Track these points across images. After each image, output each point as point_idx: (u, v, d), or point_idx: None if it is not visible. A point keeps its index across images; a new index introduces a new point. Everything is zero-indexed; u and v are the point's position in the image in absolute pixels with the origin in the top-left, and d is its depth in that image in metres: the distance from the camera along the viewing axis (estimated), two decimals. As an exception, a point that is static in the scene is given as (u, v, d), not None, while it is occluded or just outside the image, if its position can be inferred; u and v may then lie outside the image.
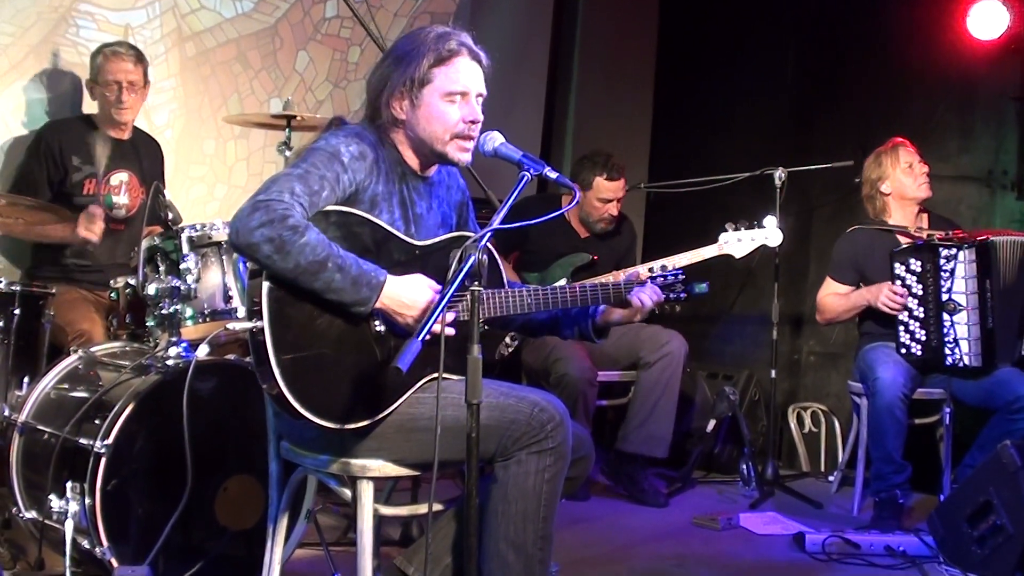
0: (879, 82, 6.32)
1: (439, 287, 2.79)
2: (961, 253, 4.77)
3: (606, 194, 5.50)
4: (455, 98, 2.99)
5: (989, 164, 5.90)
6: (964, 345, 4.77)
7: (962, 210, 5.84)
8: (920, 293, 4.86)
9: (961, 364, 4.77)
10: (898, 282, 4.88)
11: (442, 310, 2.57)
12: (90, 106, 4.85)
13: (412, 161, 3.08)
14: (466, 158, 3.05)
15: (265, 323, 2.75)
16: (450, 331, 2.79)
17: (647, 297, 3.13)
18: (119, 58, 4.65)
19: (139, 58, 4.71)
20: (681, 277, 3.23)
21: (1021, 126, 5.77)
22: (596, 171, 5.49)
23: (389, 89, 3.00)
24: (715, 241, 5.02)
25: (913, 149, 5.20)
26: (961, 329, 4.77)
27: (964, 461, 4.80)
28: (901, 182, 5.16)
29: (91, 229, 4.41)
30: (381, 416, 2.87)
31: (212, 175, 5.60)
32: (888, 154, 5.20)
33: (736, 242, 4.96)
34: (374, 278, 2.78)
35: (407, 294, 2.82)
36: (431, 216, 3.14)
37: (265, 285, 2.76)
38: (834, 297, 5.23)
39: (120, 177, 4.74)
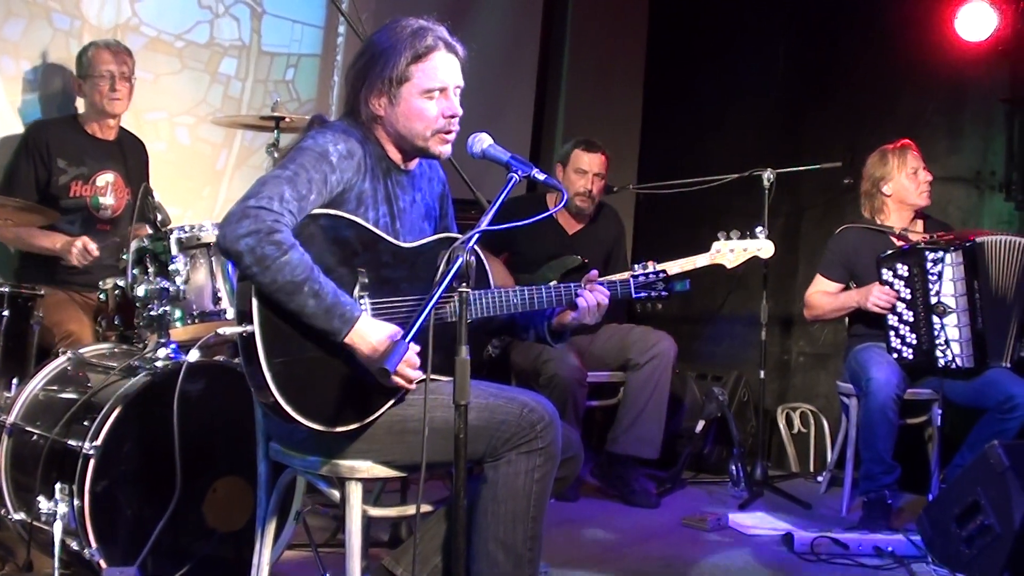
0: (868, 83, 6.34)
1: (403, 333, 2.74)
2: (948, 256, 4.77)
3: (580, 164, 5.56)
4: (434, 94, 2.98)
5: (977, 165, 5.92)
6: (955, 347, 4.77)
7: (950, 211, 5.86)
8: (909, 297, 4.86)
9: (953, 366, 4.78)
10: (886, 287, 4.89)
11: (431, 310, 2.57)
12: (79, 106, 4.86)
13: (394, 155, 3.08)
14: (447, 151, 3.06)
15: (256, 327, 2.75)
16: (416, 374, 2.80)
17: (592, 296, 3.11)
18: (110, 51, 4.72)
19: (128, 52, 4.79)
20: (662, 276, 3.24)
21: (1009, 127, 5.78)
22: (574, 145, 5.62)
23: (367, 87, 3.00)
24: (706, 247, 5.02)
25: (918, 154, 5.18)
26: (952, 331, 4.77)
27: (954, 461, 4.80)
28: (904, 186, 5.15)
29: (81, 261, 4.43)
30: (370, 419, 2.87)
31: (201, 176, 5.59)
32: (895, 155, 5.17)
33: (728, 252, 4.92)
34: (348, 312, 2.76)
35: (374, 334, 2.79)
36: (415, 209, 3.14)
37: (255, 288, 2.75)
38: (822, 295, 5.23)
39: (106, 178, 4.74)
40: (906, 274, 4.86)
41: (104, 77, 4.67)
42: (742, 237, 4.88)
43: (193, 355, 3.50)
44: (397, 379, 2.77)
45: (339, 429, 2.83)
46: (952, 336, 4.78)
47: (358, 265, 2.90)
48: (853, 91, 6.43)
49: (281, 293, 2.70)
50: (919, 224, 5.23)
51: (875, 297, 4.89)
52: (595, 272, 3.18)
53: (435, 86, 2.98)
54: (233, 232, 2.69)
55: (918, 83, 6.11)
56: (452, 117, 3.01)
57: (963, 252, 4.77)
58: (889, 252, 4.95)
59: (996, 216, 5.82)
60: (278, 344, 2.76)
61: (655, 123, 7.53)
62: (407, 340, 2.52)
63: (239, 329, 2.78)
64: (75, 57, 4.79)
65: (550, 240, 5.58)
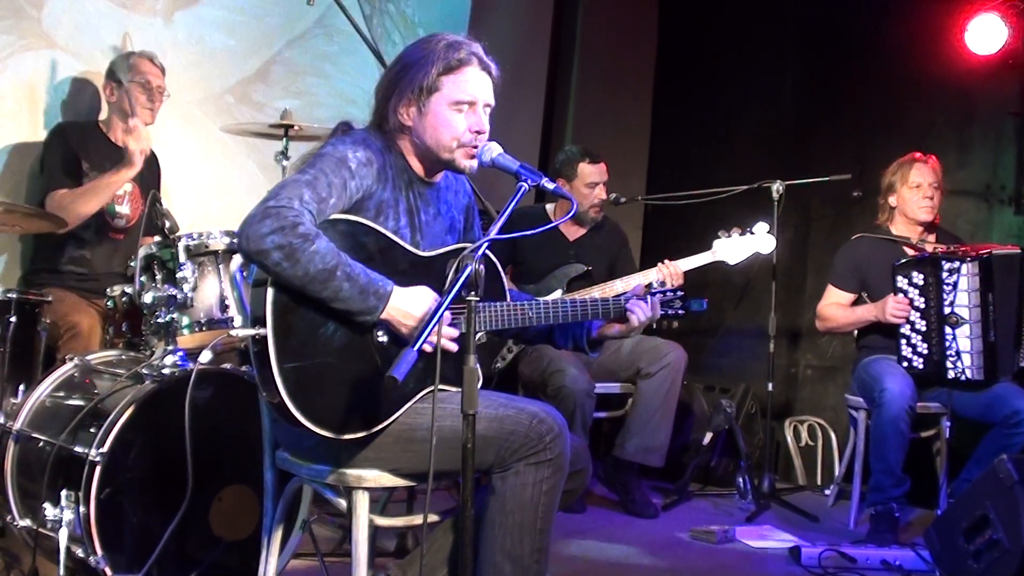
0: (878, 96, 6.33)
1: (440, 297, 2.77)
2: (964, 266, 4.77)
3: (592, 178, 5.58)
4: (463, 107, 2.99)
5: (987, 179, 5.91)
6: (966, 358, 4.77)
7: (960, 224, 5.85)
8: (922, 306, 4.86)
9: (963, 378, 4.78)
10: (900, 295, 4.88)
11: (438, 321, 2.56)
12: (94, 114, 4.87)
13: (418, 167, 3.09)
14: (473, 165, 3.04)
15: (269, 331, 2.74)
16: (452, 346, 2.80)
17: (642, 312, 3.13)
18: (153, 62, 4.78)
19: (163, 70, 4.83)
20: (680, 294, 3.24)
21: (1019, 141, 5.77)
22: (577, 159, 5.61)
23: (397, 95, 3.00)
24: (710, 249, 5.05)
25: (930, 169, 5.15)
26: (963, 342, 4.77)
27: (961, 475, 4.79)
28: (905, 199, 5.17)
29: (140, 144, 4.50)
30: (378, 428, 2.86)
31: (210, 184, 5.59)
32: (902, 167, 5.19)
33: (730, 249, 4.96)
34: (381, 288, 2.78)
35: (412, 305, 2.81)
36: (438, 222, 3.14)
37: (270, 293, 2.75)
38: (836, 307, 5.23)
39: (124, 186, 4.72)
40: (921, 283, 4.86)
41: (143, 85, 4.70)
42: (742, 233, 4.91)
43: (205, 357, 3.49)
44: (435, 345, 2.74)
45: (347, 437, 2.82)
46: (963, 347, 4.77)
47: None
48: (862, 103, 6.43)
49: (315, 283, 2.70)
50: (931, 237, 5.22)
51: (892, 308, 4.88)
52: (639, 288, 3.18)
53: (464, 99, 2.99)
54: (256, 232, 2.68)
55: (928, 96, 6.10)
56: (479, 133, 3.01)
57: (979, 263, 4.77)
58: (905, 260, 4.96)
59: (1006, 230, 5.80)
60: (291, 348, 2.76)
61: (664, 134, 7.53)
62: (415, 348, 2.51)
63: (252, 331, 2.78)
64: (113, 60, 4.79)
65: (553, 248, 5.58)
